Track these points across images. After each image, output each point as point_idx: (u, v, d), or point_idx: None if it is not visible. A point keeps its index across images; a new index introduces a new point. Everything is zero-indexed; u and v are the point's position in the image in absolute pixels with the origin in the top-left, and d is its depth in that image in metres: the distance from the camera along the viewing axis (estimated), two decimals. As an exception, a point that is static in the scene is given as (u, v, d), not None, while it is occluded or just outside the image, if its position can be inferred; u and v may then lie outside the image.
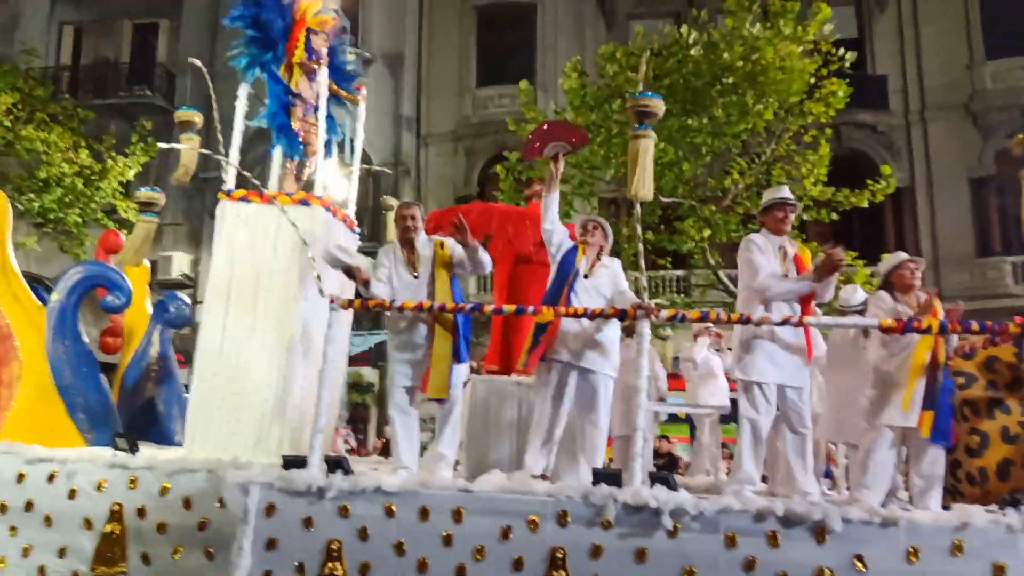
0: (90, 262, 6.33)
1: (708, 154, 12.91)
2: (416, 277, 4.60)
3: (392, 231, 6.49)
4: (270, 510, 3.92)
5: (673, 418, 10.87)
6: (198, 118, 5.79)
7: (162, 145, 6.20)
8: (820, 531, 3.55)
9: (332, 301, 4.30)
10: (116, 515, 4.37)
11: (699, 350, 7.40)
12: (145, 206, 6.19)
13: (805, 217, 12.98)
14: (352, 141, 6.19)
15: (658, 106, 4.50)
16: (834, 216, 12.84)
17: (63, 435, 5.16)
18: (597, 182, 13.49)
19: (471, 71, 19.33)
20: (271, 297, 5.16)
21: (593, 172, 13.37)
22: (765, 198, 4.72)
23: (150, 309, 6.51)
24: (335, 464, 4.02)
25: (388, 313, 4.61)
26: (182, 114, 5.78)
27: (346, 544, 3.83)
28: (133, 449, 4.60)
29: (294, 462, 4.07)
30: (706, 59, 12.50)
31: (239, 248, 5.27)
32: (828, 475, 6.54)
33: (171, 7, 20.08)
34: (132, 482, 4.41)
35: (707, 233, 12.89)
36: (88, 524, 4.41)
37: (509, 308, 4.50)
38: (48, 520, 4.47)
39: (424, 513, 3.81)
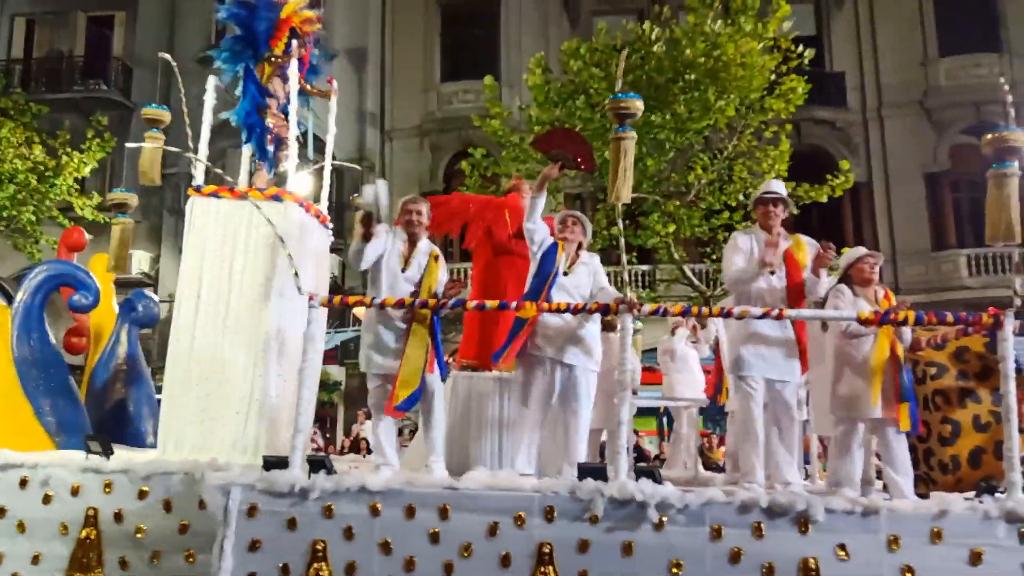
0: (56, 260, 6.20)
1: (671, 150, 13.04)
2: (404, 272, 4.57)
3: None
4: (252, 511, 3.87)
5: (640, 411, 10.99)
6: (166, 116, 5.69)
7: (129, 145, 6.05)
8: (804, 521, 3.61)
9: (312, 299, 4.25)
10: (92, 520, 4.28)
11: (677, 342, 7.44)
12: (118, 207, 6.03)
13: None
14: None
15: (638, 106, 4.48)
16: (794, 211, 13.05)
17: (31, 439, 5.03)
18: (563, 177, 13.53)
19: (435, 66, 19.25)
20: (244, 294, 5.07)
21: (558, 167, 13.39)
22: (759, 191, 4.80)
23: (116, 308, 6.38)
24: (318, 464, 3.98)
25: (365, 308, 4.55)
26: (149, 111, 5.67)
27: (331, 544, 3.80)
28: (107, 452, 4.51)
29: (275, 463, 4.02)
30: (668, 56, 12.63)
31: (210, 245, 5.16)
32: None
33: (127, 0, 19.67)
34: (107, 486, 4.32)
35: (671, 228, 13.02)
36: (64, 529, 4.31)
37: (492, 304, 4.50)
38: (21, 527, 4.37)
39: (410, 511, 3.80)
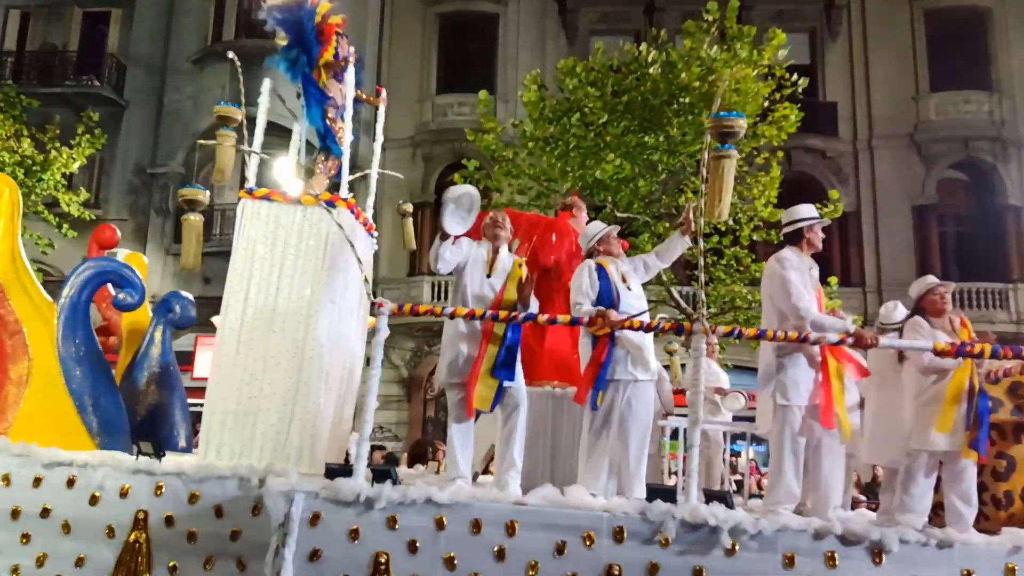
0: (102, 257, 6.07)
1: (663, 171, 13.11)
2: (489, 277, 4.60)
3: (410, 236, 6.48)
4: (315, 520, 3.76)
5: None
6: (238, 114, 5.60)
7: (202, 142, 6.01)
8: (877, 551, 3.59)
9: (380, 305, 4.17)
10: (141, 523, 4.16)
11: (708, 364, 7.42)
12: (189, 204, 5.90)
13: (755, 238, 13.24)
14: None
15: (741, 125, 4.42)
16: (782, 238, 13.11)
17: (74, 437, 4.89)
18: (554, 194, 13.54)
19: (431, 78, 19.25)
20: (292, 300, 5.02)
21: (550, 184, 13.43)
22: (793, 215, 4.73)
23: (148, 308, 6.25)
24: (382, 474, 3.91)
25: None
26: (222, 109, 5.58)
27: (394, 557, 3.71)
28: (159, 454, 4.42)
29: (338, 471, 3.93)
30: (664, 78, 12.71)
31: (259, 248, 5.12)
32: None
33: (124, -5, 19.59)
34: (158, 488, 4.20)
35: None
36: (110, 532, 4.19)
37: (564, 318, 4.48)
38: (66, 527, 4.25)
39: (476, 526, 3.71)
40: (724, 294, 13.35)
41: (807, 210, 4.75)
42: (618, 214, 12.65)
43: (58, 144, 14.75)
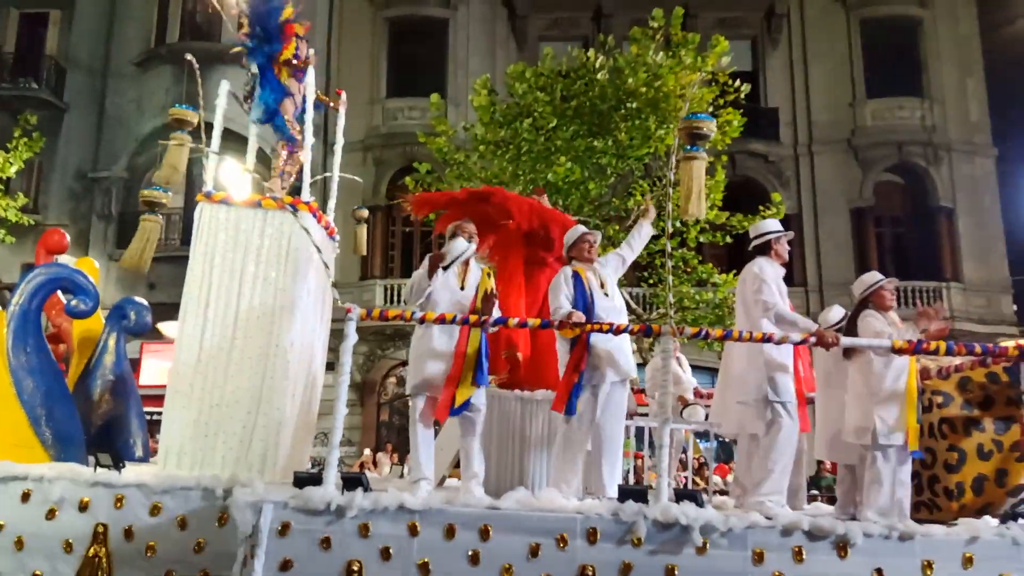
0: (54, 263, 5.87)
1: (612, 175, 13.31)
2: (462, 290, 4.62)
3: (362, 242, 6.46)
4: (284, 530, 3.75)
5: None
6: (193, 117, 5.55)
7: (162, 142, 5.88)
8: (843, 545, 3.71)
9: (349, 311, 4.16)
10: (100, 537, 4.10)
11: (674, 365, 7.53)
12: (149, 205, 5.83)
13: (701, 239, 13.56)
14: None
15: (711, 128, 4.51)
16: (728, 239, 13.46)
17: (27, 450, 4.76)
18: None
19: (381, 81, 19.19)
20: (254, 306, 4.93)
21: (502, 187, 13.52)
22: (760, 229, 4.84)
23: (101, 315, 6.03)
24: (353, 481, 3.90)
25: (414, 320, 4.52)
26: (177, 112, 5.53)
27: (367, 564, 3.71)
28: (118, 466, 4.35)
29: (307, 479, 3.92)
30: (612, 84, 12.92)
31: (219, 254, 5.02)
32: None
33: (63, -3, 19.10)
34: (119, 501, 4.14)
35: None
36: (68, 547, 4.11)
37: (534, 322, 4.53)
38: (20, 543, 4.15)
39: (450, 531, 3.74)
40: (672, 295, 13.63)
41: (773, 224, 4.89)
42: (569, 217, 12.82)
43: (-6, 148, 14.32)
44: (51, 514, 4.18)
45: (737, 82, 13.24)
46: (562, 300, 4.56)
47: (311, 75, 5.43)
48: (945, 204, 18.24)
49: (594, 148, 12.78)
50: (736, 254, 15.66)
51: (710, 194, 13.31)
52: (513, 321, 4.51)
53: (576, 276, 4.66)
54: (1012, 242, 18.23)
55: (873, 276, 4.77)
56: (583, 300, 4.57)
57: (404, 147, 17.73)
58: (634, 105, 12.80)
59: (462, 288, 4.63)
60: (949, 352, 4.21)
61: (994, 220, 18.31)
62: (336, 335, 5.75)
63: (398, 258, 18.72)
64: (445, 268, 4.56)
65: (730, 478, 13.28)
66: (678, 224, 13.11)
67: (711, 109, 13.19)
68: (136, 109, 18.19)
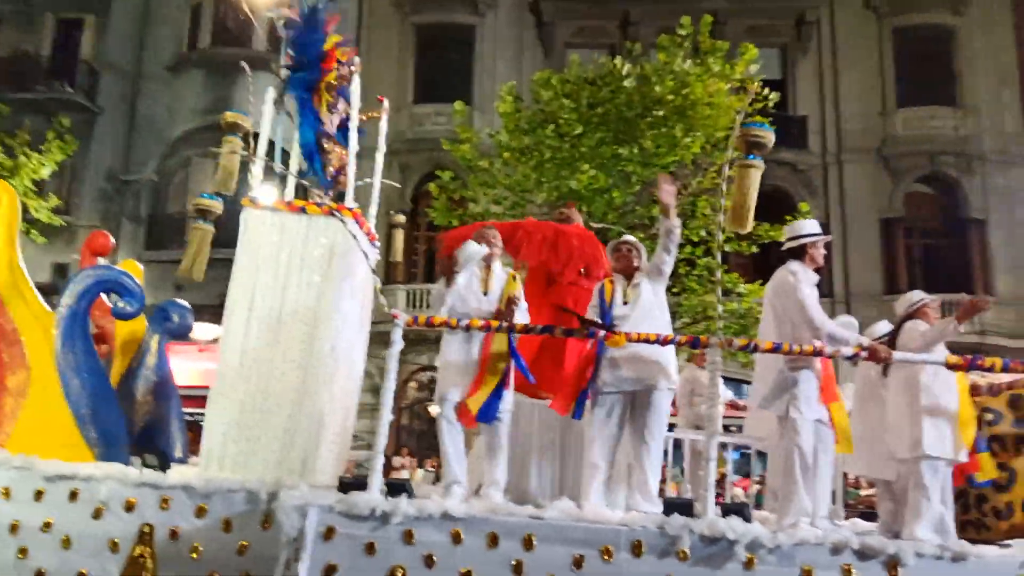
0: (101, 265, 5.90)
1: (637, 183, 13.22)
2: (486, 295, 4.65)
3: (399, 247, 6.45)
4: (329, 534, 3.75)
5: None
6: (246, 121, 5.53)
7: (213, 149, 5.90)
8: (893, 565, 3.64)
9: (396, 317, 4.16)
10: (146, 537, 4.12)
11: (701, 372, 7.40)
12: (201, 213, 5.83)
13: (727, 248, 13.42)
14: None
15: (770, 138, 4.40)
16: (754, 249, 13.32)
17: (73, 449, 4.82)
18: (529, 204, 13.64)
19: (408, 87, 19.29)
20: (298, 310, 4.95)
21: (524, 195, 13.52)
22: (797, 231, 4.76)
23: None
24: (397, 488, 3.91)
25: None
26: (230, 115, 5.51)
27: (411, 571, 3.69)
28: (164, 467, 4.40)
29: (353, 484, 3.92)
30: (638, 91, 12.86)
31: (264, 259, 5.03)
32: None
33: (98, 3, 19.36)
34: (164, 502, 4.18)
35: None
36: (114, 546, 4.15)
37: (557, 330, 4.50)
38: (66, 542, 4.19)
39: (493, 540, 3.71)
40: (696, 304, 13.50)
41: (811, 226, 4.79)
42: (593, 224, 12.73)
43: (27, 150, 14.58)
44: (98, 513, 4.21)
45: (766, 90, 13.13)
46: (589, 312, 4.61)
47: (356, 84, 5.45)
48: (977, 216, 17.93)
49: (619, 156, 12.71)
50: (762, 263, 15.52)
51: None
52: (559, 330, 4.48)
53: (602, 290, 4.70)
54: (1047, 255, 17.83)
55: (918, 294, 4.76)
56: (601, 311, 4.61)
57: (430, 153, 17.77)
58: (661, 113, 12.73)
59: (485, 293, 4.66)
60: (1005, 369, 4.12)
61: (1028, 233, 17.94)
62: (373, 339, 5.80)
63: (421, 264, 18.78)
64: (456, 273, 4.58)
65: (752, 490, 13.12)
66: (703, 233, 13.02)
67: (740, 117, 13.02)
68: (167, 113, 18.45)
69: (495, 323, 4.37)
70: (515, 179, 13.39)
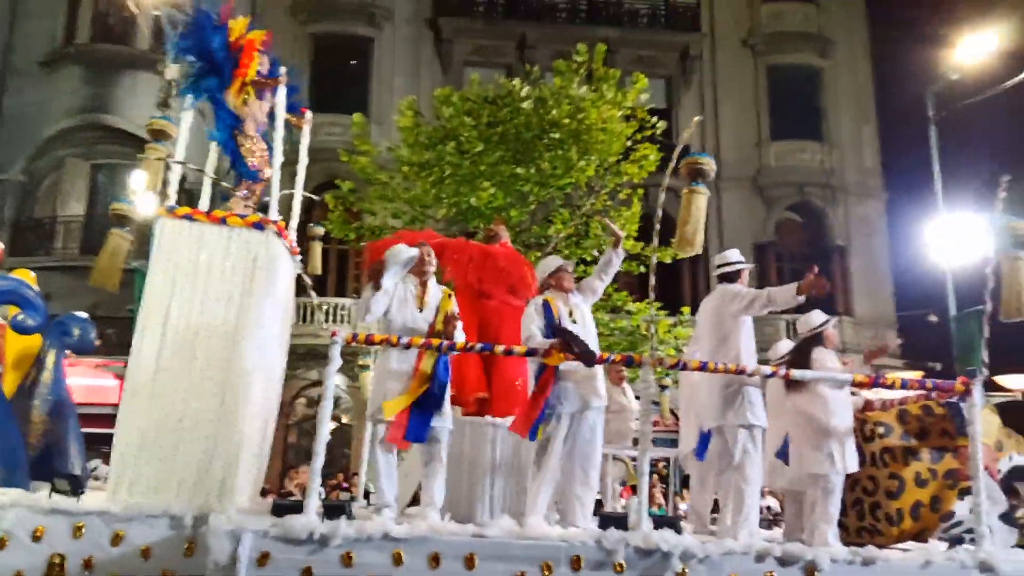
0: (1, 276, 5.41)
1: (533, 202, 13.54)
2: (421, 312, 4.65)
3: (317, 261, 6.30)
4: (263, 560, 3.66)
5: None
6: (173, 129, 5.37)
7: (140, 156, 5.54)
8: (811, 570, 3.92)
9: (334, 335, 4.10)
10: (57, 568, 3.85)
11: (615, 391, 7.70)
12: (118, 219, 5.55)
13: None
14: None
15: (712, 166, 4.70)
16: (642, 269, 13.92)
17: None
18: (428, 220, 13.71)
19: (303, 96, 18.94)
20: (216, 326, 4.75)
21: (424, 211, 13.59)
22: (728, 259, 5.14)
23: None
24: (335, 510, 3.86)
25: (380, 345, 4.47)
26: (156, 123, 5.26)
27: None
28: (77, 491, 4.15)
29: (287, 508, 3.84)
30: (536, 113, 13.21)
31: (181, 271, 4.82)
32: None
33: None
34: (78, 530, 3.91)
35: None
36: None
37: (520, 348, 4.55)
38: None
39: (435, 559, 3.73)
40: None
41: (735, 255, 5.22)
42: (491, 242, 12.97)
43: None
44: (1, 544, 3.92)
45: (654, 119, 13.80)
46: (533, 330, 4.64)
47: (282, 94, 5.30)
48: (840, 243, 19.47)
49: (517, 175, 12.98)
50: (645, 286, 16.12)
51: (627, 225, 13.76)
52: (499, 348, 4.57)
53: (546, 305, 4.75)
54: (898, 280, 19.65)
55: (820, 316, 5.10)
56: (552, 328, 4.65)
57: (325, 163, 17.50)
58: (557, 135, 13.09)
59: (421, 310, 4.67)
60: (904, 386, 4.56)
61: (883, 259, 19.69)
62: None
63: (332, 277, 18.41)
64: (384, 278, 4.59)
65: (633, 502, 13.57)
66: (595, 253, 13.48)
67: (628, 144, 13.73)
68: (38, 111, 17.28)
69: (436, 341, 4.40)
70: (414, 194, 13.44)
